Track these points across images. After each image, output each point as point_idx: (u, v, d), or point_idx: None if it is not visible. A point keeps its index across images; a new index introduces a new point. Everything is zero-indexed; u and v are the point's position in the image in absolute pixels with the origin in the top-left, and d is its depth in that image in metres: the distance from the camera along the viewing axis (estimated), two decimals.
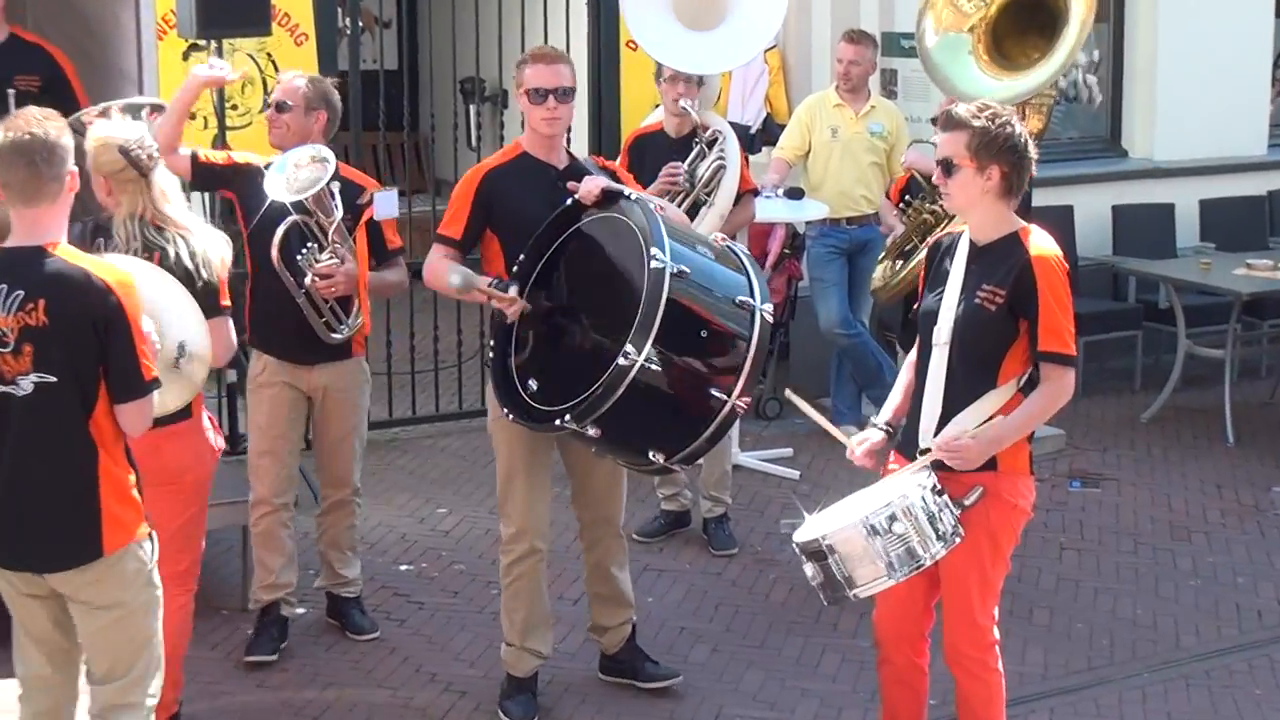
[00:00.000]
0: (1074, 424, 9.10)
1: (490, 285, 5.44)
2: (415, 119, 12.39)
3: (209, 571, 6.27)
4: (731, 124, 7.97)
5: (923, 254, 6.40)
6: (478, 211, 5.61)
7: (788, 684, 6.17)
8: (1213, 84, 10.94)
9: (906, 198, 7.23)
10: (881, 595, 4.98)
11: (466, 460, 8.69)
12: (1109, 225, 10.62)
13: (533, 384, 5.37)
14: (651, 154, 7.25)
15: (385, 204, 6.20)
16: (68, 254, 4.34)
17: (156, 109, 6.20)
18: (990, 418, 4.76)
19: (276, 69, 8.51)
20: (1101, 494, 8.31)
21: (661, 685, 6.02)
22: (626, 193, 5.46)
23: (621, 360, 4.98)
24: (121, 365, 4.31)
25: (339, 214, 5.93)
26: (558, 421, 5.17)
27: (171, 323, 4.70)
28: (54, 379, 4.26)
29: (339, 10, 9.19)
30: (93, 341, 4.27)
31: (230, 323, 5.07)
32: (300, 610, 6.58)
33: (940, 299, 4.87)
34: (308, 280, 5.95)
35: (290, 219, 5.88)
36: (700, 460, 5.88)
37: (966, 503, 4.74)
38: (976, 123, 4.76)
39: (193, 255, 4.93)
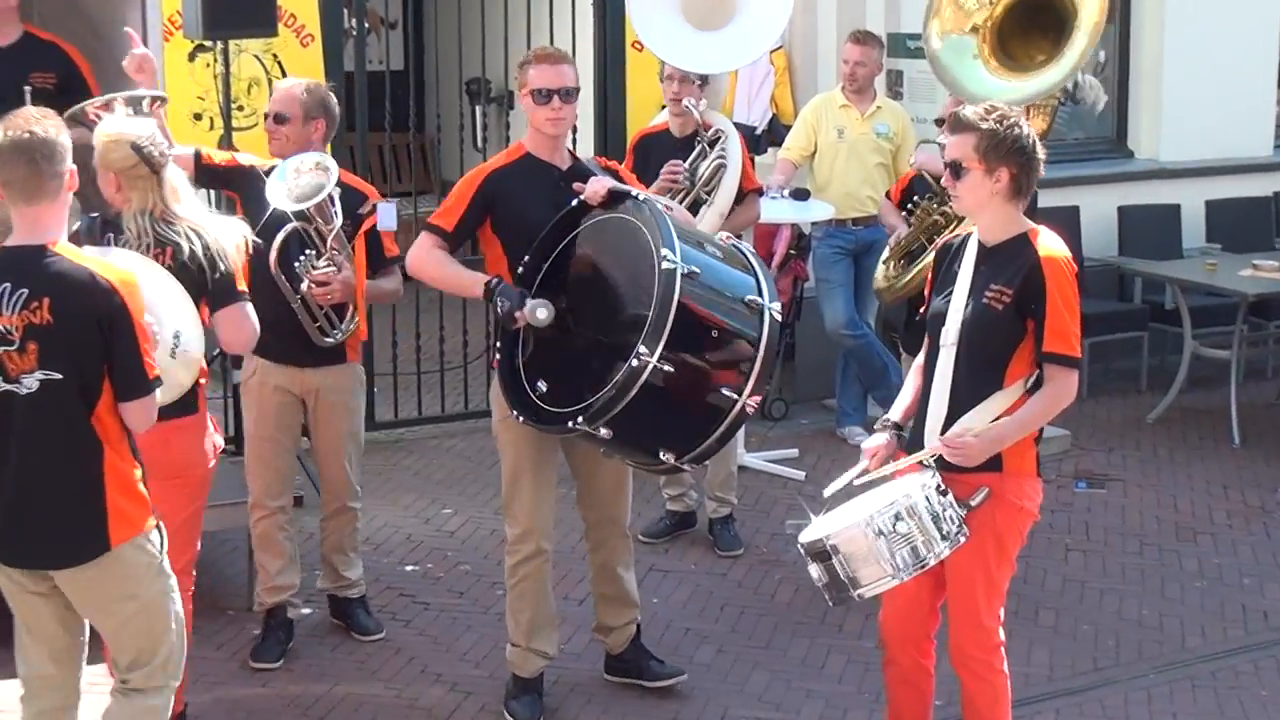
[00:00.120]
0: (1080, 425, 9.10)
1: (493, 285, 5.44)
2: (421, 120, 12.36)
3: (215, 572, 6.29)
4: (737, 124, 7.98)
5: (930, 256, 6.39)
6: (475, 209, 5.61)
7: (793, 685, 6.17)
8: (1219, 85, 10.93)
9: (915, 198, 7.20)
10: (888, 596, 4.99)
11: (472, 461, 8.69)
12: (1115, 226, 10.61)
13: (541, 385, 5.36)
14: (656, 153, 7.27)
15: (386, 216, 6.20)
16: (70, 253, 4.36)
17: (159, 101, 6.20)
18: (997, 419, 4.76)
19: (283, 70, 8.51)
20: (1107, 495, 8.31)
21: (666, 684, 6.02)
22: (634, 193, 5.46)
23: (634, 362, 4.98)
24: (125, 364, 4.34)
25: (338, 221, 5.92)
26: (570, 423, 5.17)
27: (169, 311, 4.75)
28: (59, 376, 4.29)
29: (345, 11, 9.19)
30: (97, 340, 4.30)
31: (250, 307, 5.06)
32: (306, 610, 6.59)
33: (949, 300, 4.87)
34: (304, 287, 5.94)
35: (290, 226, 5.88)
36: (709, 460, 5.88)
37: (972, 504, 4.75)
38: (985, 125, 4.76)
39: (206, 249, 4.93)
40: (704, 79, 7.35)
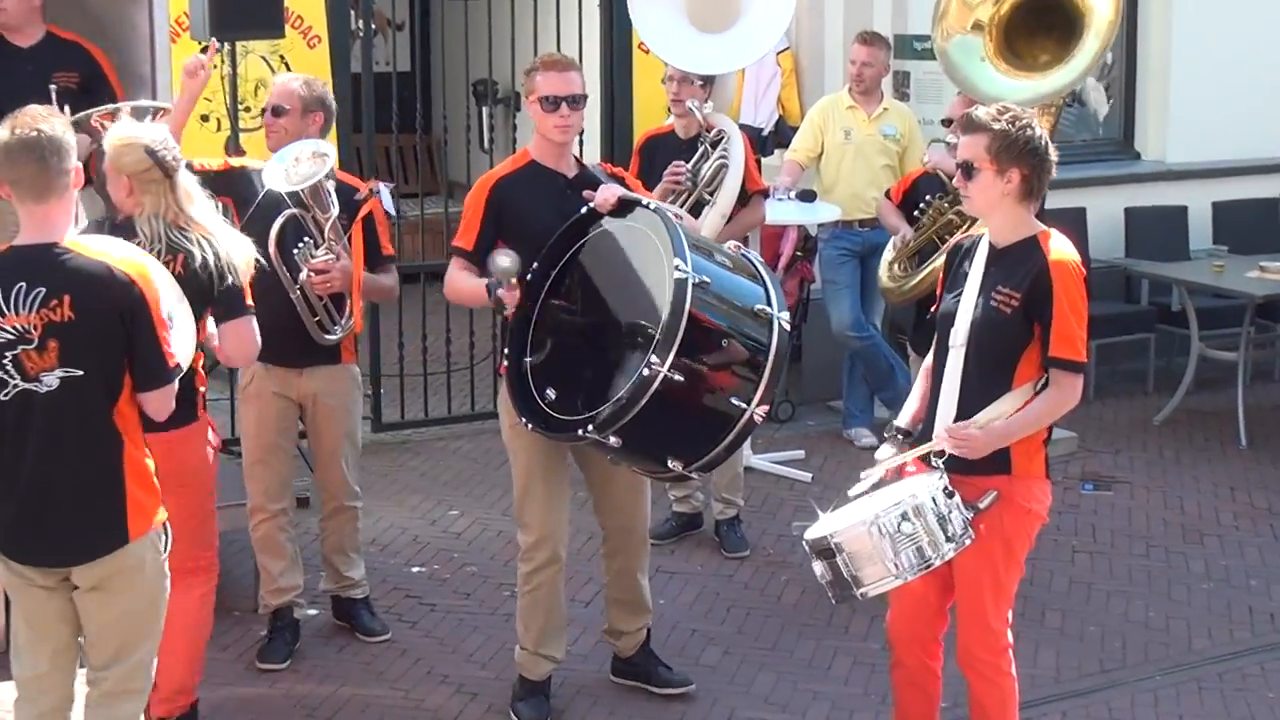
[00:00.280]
0: (1086, 426, 9.09)
1: (491, 285, 5.43)
2: (428, 121, 12.35)
3: (221, 573, 6.27)
4: (744, 126, 7.99)
5: (941, 257, 6.39)
6: (489, 221, 5.61)
7: (799, 686, 6.16)
8: (1226, 86, 10.92)
9: (927, 197, 7.18)
10: (895, 597, 4.99)
11: (478, 462, 8.70)
12: (1121, 227, 10.61)
13: (551, 393, 5.36)
14: (662, 154, 7.27)
15: (384, 200, 6.18)
16: (82, 247, 4.38)
17: (163, 111, 6.21)
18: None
19: (290, 72, 8.51)
20: (1114, 496, 8.31)
21: (675, 692, 6.02)
22: (644, 201, 5.46)
23: (645, 371, 4.98)
24: (146, 354, 4.38)
25: (335, 210, 5.92)
26: (579, 432, 5.17)
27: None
28: (80, 372, 4.31)
29: (352, 12, 9.20)
30: (120, 333, 4.33)
31: (254, 322, 5.06)
32: (312, 611, 6.60)
33: (958, 301, 4.87)
34: (303, 275, 5.92)
35: (287, 212, 5.86)
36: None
37: (980, 506, 4.74)
38: (997, 126, 4.75)
39: (217, 258, 4.92)
40: (706, 80, 7.35)
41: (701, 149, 7.22)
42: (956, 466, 4.76)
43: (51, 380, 4.30)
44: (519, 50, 9.05)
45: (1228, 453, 9.04)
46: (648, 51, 8.47)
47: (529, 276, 5.49)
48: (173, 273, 4.76)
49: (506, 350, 5.58)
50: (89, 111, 6.01)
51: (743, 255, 5.51)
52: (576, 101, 5.62)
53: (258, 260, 5.22)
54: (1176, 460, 8.91)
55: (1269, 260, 9.59)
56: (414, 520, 7.83)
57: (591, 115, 6.98)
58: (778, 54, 9.62)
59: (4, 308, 4.28)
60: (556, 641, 5.84)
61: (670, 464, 5.24)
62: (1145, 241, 10.54)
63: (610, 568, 5.98)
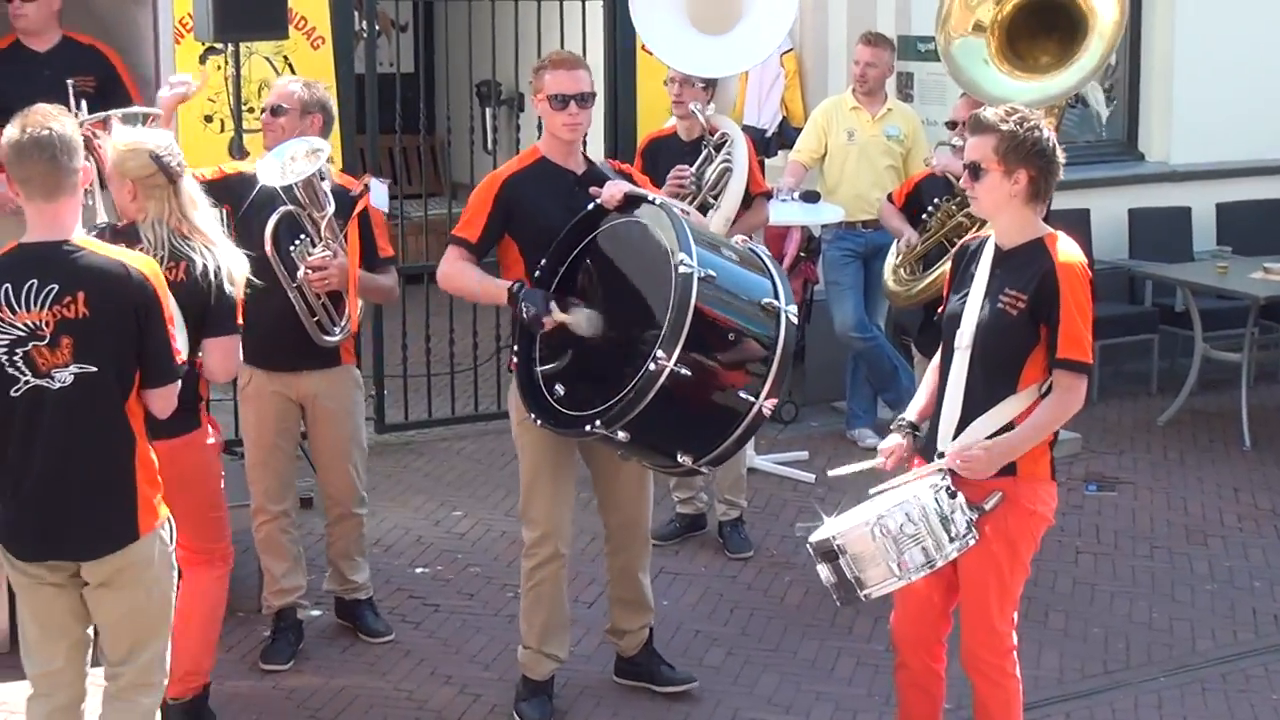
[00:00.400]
0: (1090, 427, 9.09)
1: (516, 290, 5.44)
2: (431, 122, 12.36)
3: None
4: (747, 127, 7.99)
5: (949, 260, 6.38)
6: (496, 217, 5.61)
7: (803, 687, 6.17)
8: (1230, 87, 10.92)
9: (936, 200, 7.17)
10: (899, 599, 4.99)
11: (482, 463, 8.70)
12: (1125, 228, 10.61)
13: (559, 389, 5.37)
14: (665, 157, 7.27)
15: (379, 193, 6.17)
16: (94, 245, 4.43)
17: (153, 118, 6.22)
18: (1009, 423, 4.76)
19: (294, 72, 8.52)
20: (1117, 497, 8.30)
21: (678, 690, 6.02)
22: (650, 197, 5.47)
23: (651, 366, 4.99)
24: (156, 351, 4.43)
25: (330, 208, 5.90)
26: (587, 427, 5.17)
27: None
28: (95, 369, 4.35)
29: (356, 14, 9.19)
30: (134, 329, 4.37)
31: (239, 341, 5.05)
32: (315, 612, 6.60)
33: (964, 302, 4.87)
34: (301, 273, 5.91)
35: (283, 209, 5.84)
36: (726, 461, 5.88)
37: (985, 507, 4.74)
38: (1004, 126, 4.75)
39: (218, 270, 4.94)
40: (708, 82, 7.35)
41: (705, 152, 7.23)
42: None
43: (65, 377, 4.34)
44: (522, 51, 9.06)
45: (1231, 454, 9.03)
46: (651, 53, 8.47)
47: (536, 273, 5.50)
48: (175, 280, 4.78)
49: (515, 347, 5.58)
50: (83, 119, 6.01)
51: (750, 249, 5.51)
52: (585, 99, 5.63)
53: (255, 261, 5.24)
54: (1180, 461, 8.91)
55: (1272, 261, 9.58)
56: (417, 521, 7.83)
57: (595, 116, 6.98)
58: (781, 55, 9.62)
59: (15, 304, 4.31)
60: (559, 640, 5.85)
61: (680, 458, 5.25)
62: (1149, 243, 10.54)
63: (613, 566, 5.99)
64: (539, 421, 5.40)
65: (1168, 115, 11.07)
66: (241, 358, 5.12)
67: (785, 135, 9.79)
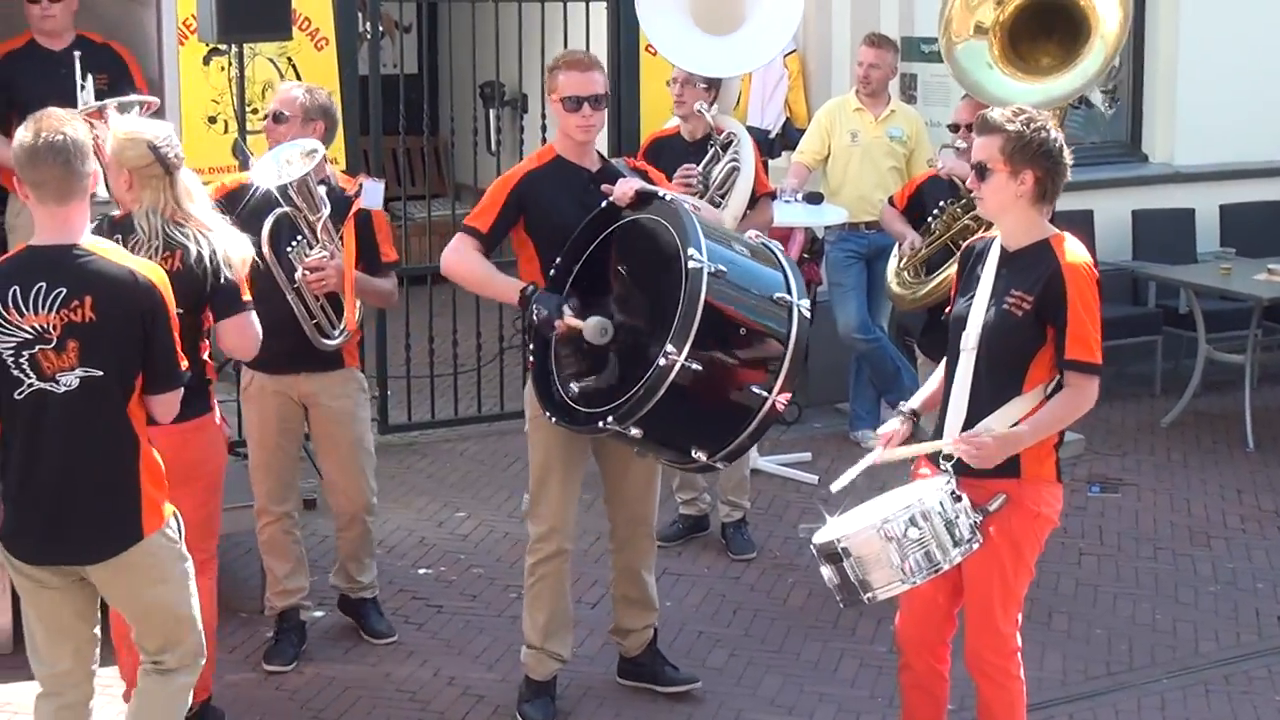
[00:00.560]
0: (1093, 429, 9.08)
1: (529, 292, 5.46)
2: (435, 123, 12.40)
3: (228, 574, 6.30)
4: (751, 128, 7.98)
5: (955, 263, 6.37)
6: (508, 211, 5.63)
7: (806, 689, 6.17)
8: (1233, 89, 10.91)
9: (941, 204, 7.16)
10: (904, 601, 4.99)
11: (485, 464, 8.70)
12: (1129, 230, 10.60)
13: (574, 386, 5.39)
14: (668, 157, 7.26)
15: (373, 194, 6.16)
16: (103, 250, 4.44)
17: (148, 106, 6.24)
18: (1015, 424, 4.75)
19: (297, 74, 8.53)
20: (1121, 499, 8.30)
21: (681, 690, 6.03)
22: (661, 194, 5.48)
23: (662, 361, 5.00)
24: (161, 357, 4.45)
25: (326, 210, 5.90)
26: (600, 423, 5.18)
27: None
28: (100, 373, 4.36)
29: (359, 15, 9.20)
30: (139, 334, 4.39)
31: (254, 316, 5.09)
32: (318, 613, 6.60)
33: (970, 304, 4.86)
34: (298, 275, 5.90)
35: (279, 211, 5.84)
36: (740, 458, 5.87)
37: (990, 509, 4.74)
38: (1011, 127, 4.74)
39: (214, 254, 4.95)
40: (711, 83, 7.36)
41: (712, 151, 7.24)
42: (966, 470, 4.76)
43: (70, 380, 4.35)
44: (526, 53, 9.07)
45: (1235, 455, 9.03)
46: (654, 53, 8.47)
47: (551, 272, 5.51)
48: (170, 269, 4.79)
49: (531, 345, 5.60)
50: (78, 110, 6.02)
51: (763, 244, 5.51)
52: (598, 101, 5.65)
53: (255, 264, 5.24)
54: (1183, 463, 8.90)
55: (1276, 263, 9.58)
56: (421, 522, 7.83)
57: None
58: (785, 56, 9.62)
59: (23, 307, 4.32)
60: (562, 639, 5.85)
61: (695, 454, 5.25)
62: (1152, 244, 10.53)
63: (617, 563, 6.00)
64: (554, 419, 5.41)
65: (1171, 117, 11.06)
66: (260, 332, 5.12)
67: (789, 136, 9.79)
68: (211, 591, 5.50)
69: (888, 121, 8.86)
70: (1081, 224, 9.64)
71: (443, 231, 10.23)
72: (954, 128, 7.13)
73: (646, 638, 6.06)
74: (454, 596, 6.97)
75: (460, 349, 9.19)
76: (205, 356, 5.21)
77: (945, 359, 5.03)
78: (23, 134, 4.38)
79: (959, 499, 4.70)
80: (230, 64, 7.79)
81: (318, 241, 5.89)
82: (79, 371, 4.35)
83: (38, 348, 4.33)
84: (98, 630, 4.65)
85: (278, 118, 6.16)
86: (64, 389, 4.35)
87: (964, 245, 5.21)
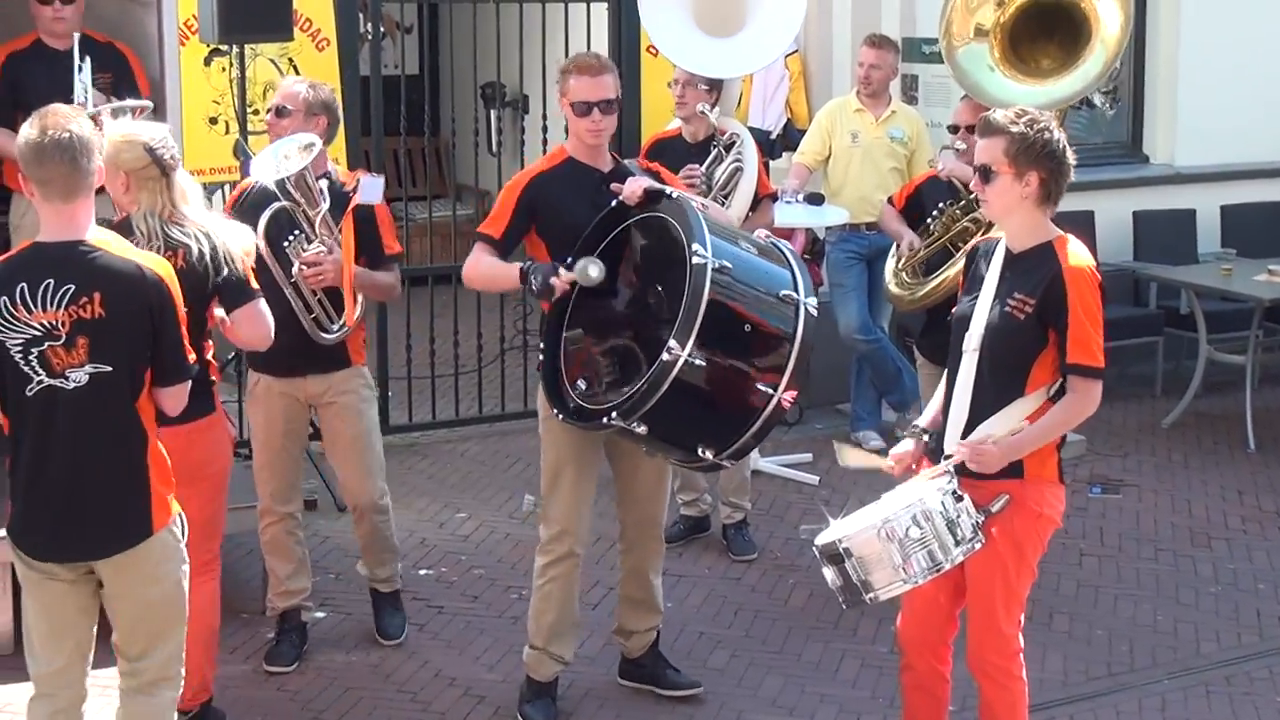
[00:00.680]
0: (1094, 429, 9.07)
1: (526, 268, 5.50)
2: (436, 124, 12.39)
3: (230, 575, 6.28)
4: (752, 129, 7.98)
5: (957, 264, 6.37)
6: (520, 215, 5.65)
7: (807, 689, 6.17)
8: (1234, 90, 10.91)
9: (940, 206, 7.15)
10: (906, 601, 4.99)
11: (486, 465, 8.70)
12: (1130, 231, 10.60)
13: (581, 384, 5.40)
14: (669, 158, 7.24)
15: (371, 189, 6.15)
16: (109, 245, 4.44)
17: (143, 110, 6.24)
18: (1017, 426, 4.75)
19: (298, 74, 8.52)
20: (1122, 500, 8.30)
21: (683, 694, 6.02)
22: (669, 192, 5.49)
23: (665, 356, 5.00)
24: (170, 351, 4.47)
25: (325, 205, 5.90)
26: (605, 419, 5.19)
27: None
28: (110, 369, 4.37)
29: (361, 15, 9.20)
30: (148, 329, 4.40)
31: (264, 304, 5.10)
32: (320, 614, 6.61)
33: (974, 304, 4.86)
34: (295, 270, 5.89)
35: (276, 205, 5.84)
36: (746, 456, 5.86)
37: (992, 510, 4.74)
38: (1014, 128, 4.74)
39: (214, 251, 4.96)
40: (712, 84, 7.36)
41: (715, 152, 7.25)
42: (969, 470, 4.76)
43: (80, 376, 4.36)
44: (527, 54, 9.07)
45: (1236, 456, 9.03)
46: (656, 54, 8.47)
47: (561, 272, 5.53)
48: (175, 268, 4.79)
49: (542, 345, 5.61)
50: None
51: (771, 242, 5.52)
52: (609, 106, 5.67)
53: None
54: (1184, 464, 8.90)
55: (1277, 264, 9.58)
56: (422, 523, 7.83)
57: None
58: (786, 57, 9.62)
59: (31, 304, 4.32)
60: (566, 641, 5.85)
61: (701, 452, 5.25)
62: (1153, 245, 10.53)
63: (625, 564, 6.00)
64: (561, 416, 5.42)
65: (1172, 118, 11.06)
66: (272, 325, 5.13)
67: (790, 137, 9.79)
68: (215, 594, 5.51)
69: (888, 122, 8.86)
70: (1082, 225, 9.64)
71: (444, 232, 10.27)
72: (954, 129, 7.13)
73: (649, 640, 6.06)
74: (455, 597, 6.97)
75: (461, 350, 9.19)
76: (209, 356, 5.22)
77: (947, 360, 5.04)
78: (28, 131, 4.38)
79: (960, 498, 4.70)
80: (231, 65, 7.79)
81: (316, 236, 5.90)
82: (88, 368, 4.36)
83: (47, 344, 4.34)
84: (95, 631, 4.65)
85: (280, 111, 6.17)
86: (73, 385, 4.35)
87: (969, 245, 5.21)
